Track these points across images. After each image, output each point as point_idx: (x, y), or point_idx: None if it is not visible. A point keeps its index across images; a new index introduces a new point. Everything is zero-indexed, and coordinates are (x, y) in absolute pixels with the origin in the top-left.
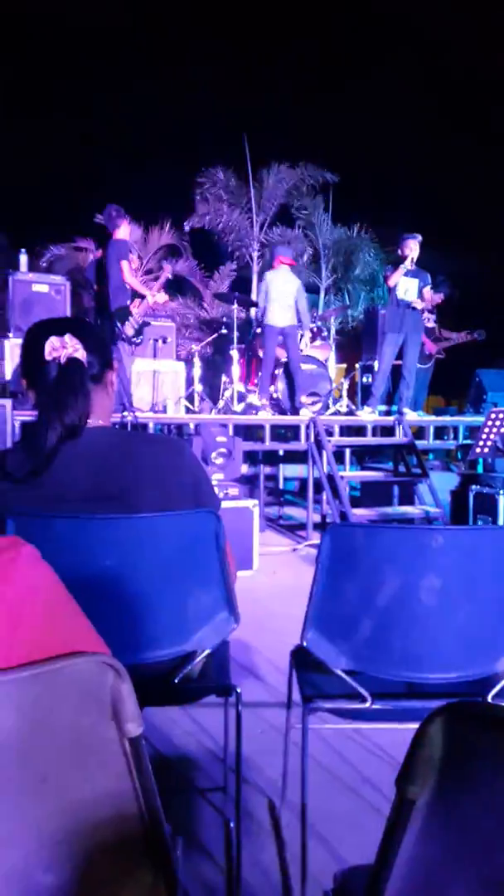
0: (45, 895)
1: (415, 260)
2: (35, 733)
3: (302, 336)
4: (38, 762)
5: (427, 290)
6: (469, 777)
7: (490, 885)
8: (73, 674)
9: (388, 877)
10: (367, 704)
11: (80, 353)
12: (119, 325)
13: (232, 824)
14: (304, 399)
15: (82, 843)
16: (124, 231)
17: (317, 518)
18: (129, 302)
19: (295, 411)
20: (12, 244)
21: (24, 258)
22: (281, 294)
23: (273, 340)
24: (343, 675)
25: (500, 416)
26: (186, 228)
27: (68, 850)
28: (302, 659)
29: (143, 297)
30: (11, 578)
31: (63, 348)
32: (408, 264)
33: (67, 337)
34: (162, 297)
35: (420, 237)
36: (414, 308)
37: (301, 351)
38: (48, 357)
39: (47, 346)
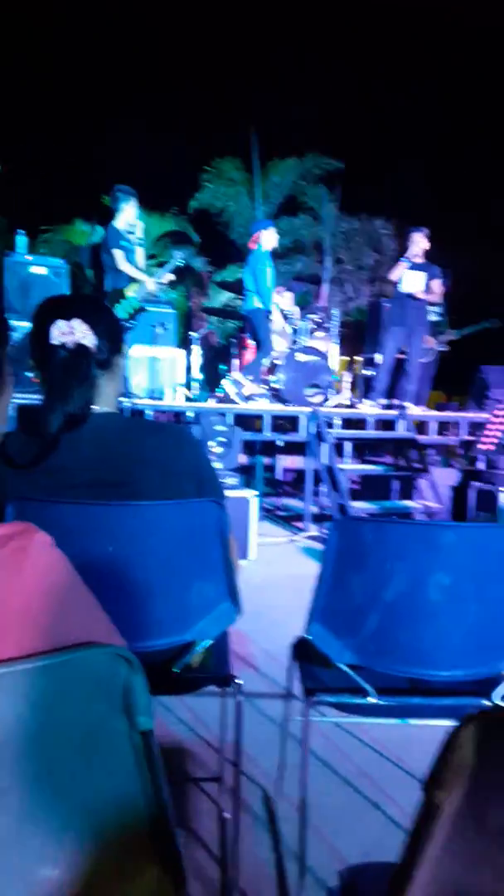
0: (49, 890)
1: (418, 254)
2: (44, 725)
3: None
4: (45, 754)
5: (436, 283)
6: (499, 784)
7: None
8: (85, 665)
9: (412, 882)
10: (371, 700)
11: (89, 339)
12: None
13: (228, 815)
14: (306, 391)
15: (89, 837)
16: (127, 214)
17: (315, 510)
18: (125, 286)
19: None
20: (10, 225)
21: (22, 240)
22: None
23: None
24: (347, 669)
25: None
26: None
27: (74, 845)
28: (303, 651)
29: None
30: (23, 567)
31: (71, 334)
32: (410, 257)
33: (76, 322)
34: (168, 276)
35: (426, 230)
36: (418, 301)
37: (301, 342)
38: (55, 341)
39: (55, 330)
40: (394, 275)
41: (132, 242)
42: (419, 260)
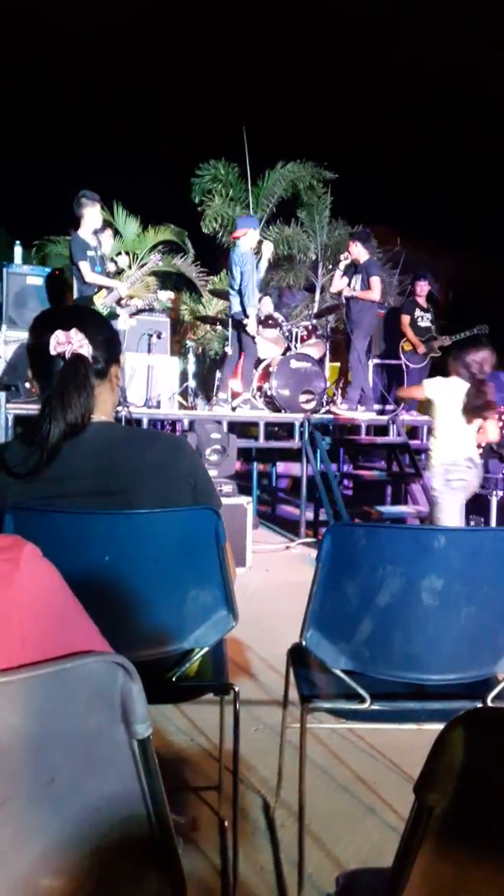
0: None
1: (349, 258)
2: (42, 734)
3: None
4: (44, 764)
5: (420, 285)
6: (490, 785)
7: None
8: (83, 674)
9: (405, 884)
10: (367, 705)
11: (86, 349)
12: None
13: (227, 823)
14: (299, 397)
15: (89, 846)
16: (91, 220)
17: (310, 516)
18: (92, 293)
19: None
20: (8, 237)
21: (18, 250)
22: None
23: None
24: (342, 674)
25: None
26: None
27: (75, 855)
28: (300, 658)
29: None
30: (14, 579)
31: (69, 343)
32: (341, 266)
33: (73, 332)
34: (166, 294)
35: (358, 235)
36: (352, 302)
37: (296, 348)
38: (53, 352)
39: (52, 341)
40: (334, 287)
41: (98, 251)
42: (360, 262)
